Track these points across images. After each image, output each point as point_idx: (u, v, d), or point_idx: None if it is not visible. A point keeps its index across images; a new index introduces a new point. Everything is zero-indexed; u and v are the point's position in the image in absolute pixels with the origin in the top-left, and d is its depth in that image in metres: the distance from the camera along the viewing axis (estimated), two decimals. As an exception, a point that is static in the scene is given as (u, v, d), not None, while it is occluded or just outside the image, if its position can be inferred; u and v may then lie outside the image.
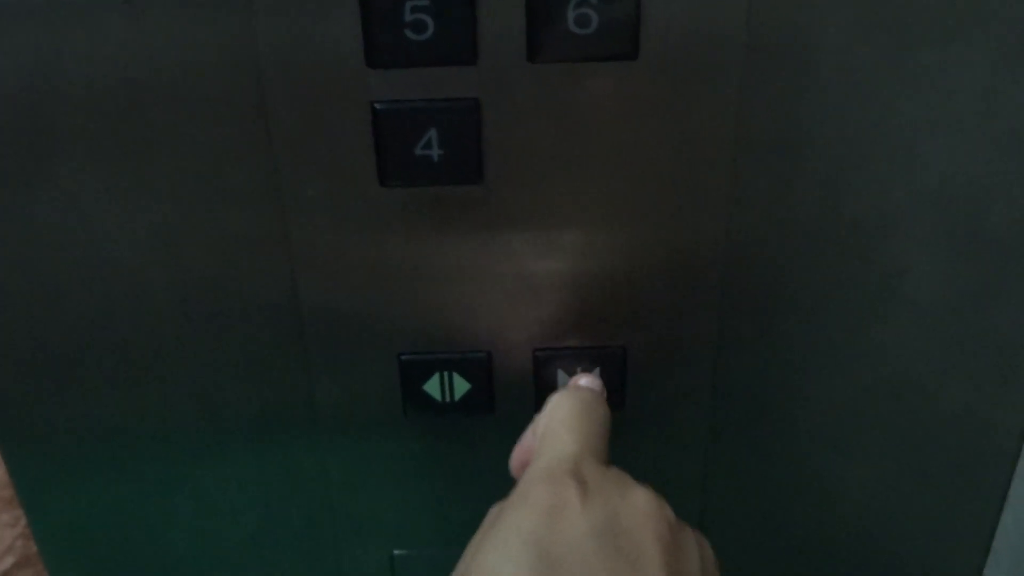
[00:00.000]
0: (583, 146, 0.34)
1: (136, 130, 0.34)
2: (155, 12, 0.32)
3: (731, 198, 0.35)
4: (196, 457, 0.42)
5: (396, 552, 0.45)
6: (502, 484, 0.42)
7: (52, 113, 0.34)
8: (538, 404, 0.39)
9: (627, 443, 0.39)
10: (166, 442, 0.42)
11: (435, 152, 0.34)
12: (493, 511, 0.32)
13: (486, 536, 0.29)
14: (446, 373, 0.39)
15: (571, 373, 0.39)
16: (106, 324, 0.38)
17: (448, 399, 0.39)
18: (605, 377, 0.38)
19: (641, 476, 0.32)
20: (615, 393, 0.38)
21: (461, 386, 0.39)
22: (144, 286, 0.37)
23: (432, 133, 0.34)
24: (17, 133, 0.34)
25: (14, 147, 0.35)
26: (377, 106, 0.33)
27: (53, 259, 0.37)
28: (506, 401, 0.40)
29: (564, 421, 0.33)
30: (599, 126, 0.34)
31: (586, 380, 0.37)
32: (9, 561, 0.61)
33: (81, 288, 0.38)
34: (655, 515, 0.29)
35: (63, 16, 0.32)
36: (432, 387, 0.39)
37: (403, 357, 0.39)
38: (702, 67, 0.33)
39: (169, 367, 0.39)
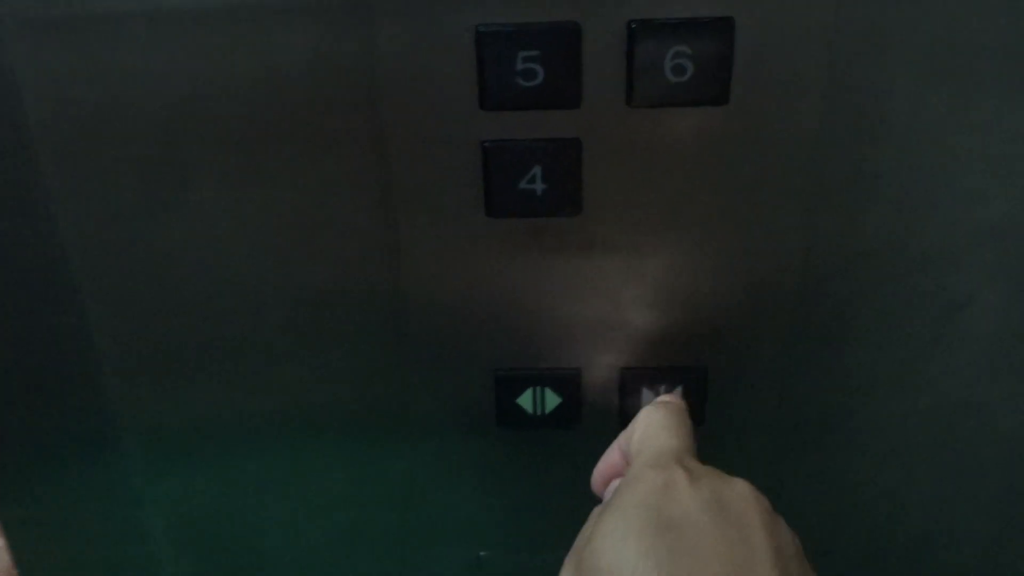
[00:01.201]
0: (673, 182, 0.38)
1: (261, 160, 0.38)
2: (286, 54, 0.36)
3: (808, 230, 0.39)
4: (295, 457, 0.46)
5: (482, 553, 0.48)
6: (584, 494, 0.45)
7: (190, 145, 0.38)
8: (622, 419, 0.42)
9: (704, 457, 0.42)
10: (269, 442, 0.45)
11: (538, 186, 0.38)
12: (595, 512, 0.34)
13: (602, 516, 0.31)
14: (538, 388, 0.42)
15: (655, 391, 0.42)
16: (221, 334, 0.42)
17: (539, 412, 0.43)
18: (687, 395, 0.42)
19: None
20: (696, 410, 0.41)
21: (552, 400, 0.42)
22: (261, 301, 0.41)
23: (537, 169, 0.37)
24: (158, 163, 0.38)
25: (155, 176, 0.39)
26: (487, 144, 0.37)
27: (179, 275, 0.41)
28: (592, 416, 0.43)
29: (662, 424, 0.36)
30: (688, 164, 0.37)
31: (670, 397, 0.40)
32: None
33: (202, 301, 0.41)
34: (757, 499, 0.31)
35: (200, 57, 0.36)
36: (525, 400, 0.43)
37: (499, 372, 0.42)
38: (785, 111, 0.36)
39: (278, 374, 0.43)
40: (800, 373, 0.42)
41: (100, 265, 0.41)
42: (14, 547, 0.50)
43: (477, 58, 0.35)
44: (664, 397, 0.41)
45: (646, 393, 0.42)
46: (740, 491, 0.31)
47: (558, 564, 0.48)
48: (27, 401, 0.44)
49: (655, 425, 0.36)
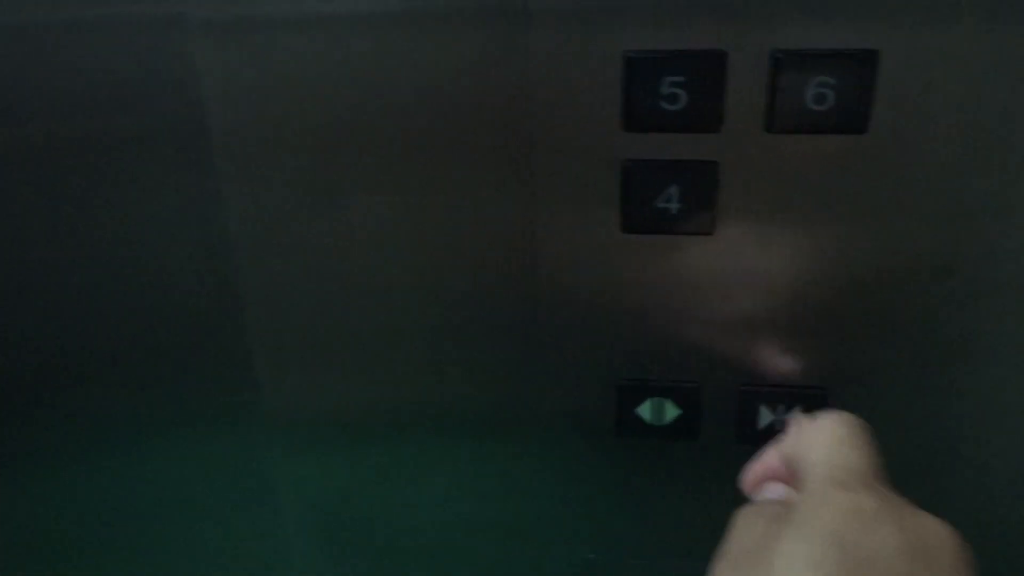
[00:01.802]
0: (807, 207, 0.39)
1: (414, 165, 0.41)
2: (445, 64, 0.38)
3: (941, 257, 0.39)
4: (422, 450, 0.48)
5: (591, 556, 0.49)
6: (695, 503, 0.46)
7: (351, 149, 0.41)
8: (738, 435, 0.43)
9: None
10: (401, 434, 0.48)
11: (674, 206, 0.39)
12: (743, 514, 0.33)
13: (782, 531, 0.29)
14: (658, 399, 0.44)
15: (773, 409, 0.43)
16: (366, 329, 0.45)
17: (658, 423, 0.44)
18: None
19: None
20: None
21: (671, 412, 0.44)
22: (405, 300, 0.44)
23: (673, 189, 0.39)
24: (322, 167, 0.41)
25: (317, 179, 0.42)
26: (628, 163, 0.39)
27: (332, 273, 0.44)
28: (709, 429, 0.44)
29: (847, 439, 0.33)
30: (824, 190, 0.38)
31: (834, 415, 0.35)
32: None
33: (351, 297, 0.44)
34: (959, 545, 0.28)
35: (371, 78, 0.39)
36: (644, 410, 0.44)
37: (621, 382, 0.44)
38: (924, 140, 0.37)
39: (414, 369, 0.46)
40: (923, 400, 0.43)
41: (260, 261, 0.44)
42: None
43: (623, 81, 0.37)
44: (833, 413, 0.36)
45: (763, 411, 0.43)
46: (943, 536, 0.28)
47: (665, 570, 0.49)
48: (182, 383, 0.48)
49: (840, 440, 0.33)
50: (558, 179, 0.40)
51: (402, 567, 0.52)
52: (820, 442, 0.33)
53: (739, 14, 0.36)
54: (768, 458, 0.36)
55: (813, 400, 0.43)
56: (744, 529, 0.32)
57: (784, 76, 0.36)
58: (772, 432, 0.43)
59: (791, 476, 0.35)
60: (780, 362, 0.42)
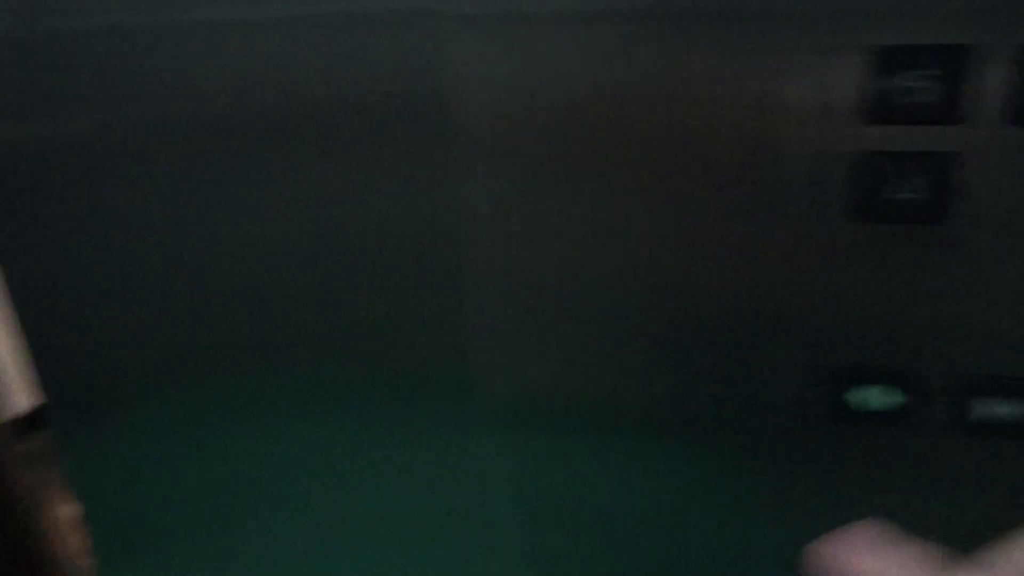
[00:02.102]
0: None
1: (644, 165, 0.43)
2: (680, 75, 0.40)
3: None
4: (631, 444, 0.50)
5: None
6: (899, 496, 0.47)
7: (574, 146, 0.43)
8: (949, 423, 0.44)
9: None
10: (605, 429, 0.49)
11: (912, 195, 0.40)
12: None
13: None
14: (871, 386, 0.45)
15: (990, 401, 0.44)
16: (576, 324, 0.47)
17: (872, 409, 0.45)
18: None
19: None
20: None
21: (885, 398, 0.45)
22: (619, 295, 0.46)
23: (915, 179, 0.40)
24: (549, 164, 0.43)
25: (546, 176, 0.44)
26: (867, 155, 0.40)
27: (541, 266, 0.46)
28: (922, 419, 0.45)
29: None
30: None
31: None
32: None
33: (552, 288, 0.46)
34: None
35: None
36: (857, 396, 0.45)
37: (834, 369, 0.45)
38: None
39: (624, 364, 0.47)
40: None
41: (489, 247, 0.46)
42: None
43: (871, 74, 0.39)
44: None
45: (979, 402, 0.44)
46: None
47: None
48: (397, 366, 0.50)
49: None
50: (790, 169, 0.41)
51: (607, 559, 0.53)
52: None
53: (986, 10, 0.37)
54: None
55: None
56: None
57: (1032, 70, 0.37)
58: (983, 425, 0.44)
59: None
60: (1004, 352, 0.43)
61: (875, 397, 0.45)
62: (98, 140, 0.47)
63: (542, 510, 0.53)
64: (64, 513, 0.80)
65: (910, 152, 0.40)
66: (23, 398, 0.76)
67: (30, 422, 0.75)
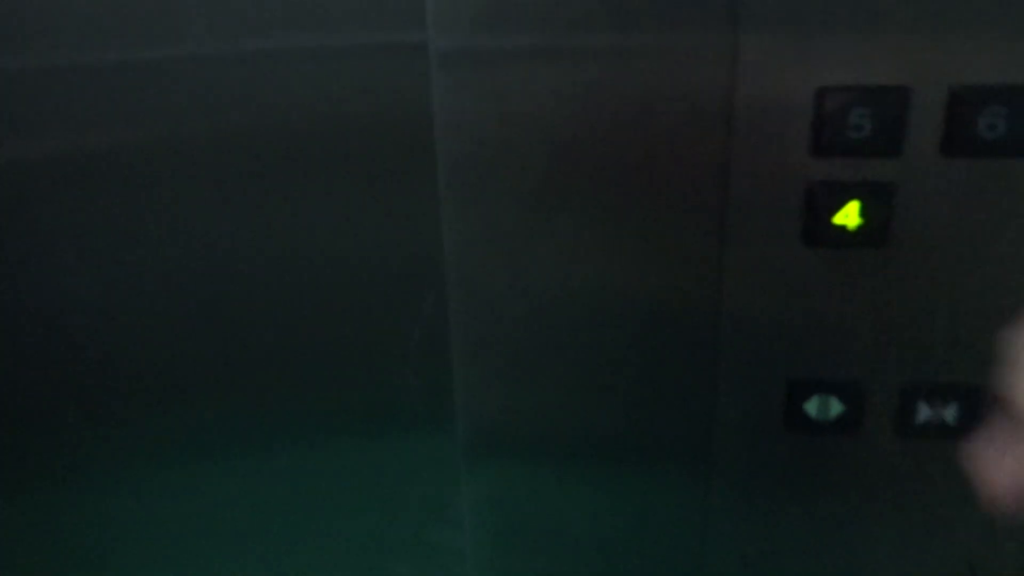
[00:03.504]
0: (981, 228, 0.44)
1: (618, 187, 0.46)
2: (649, 91, 0.44)
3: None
4: (609, 468, 0.53)
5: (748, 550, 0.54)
6: (851, 502, 0.51)
7: (561, 178, 0.46)
8: (897, 430, 0.48)
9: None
10: (585, 453, 0.53)
11: (853, 222, 0.44)
12: None
13: None
14: (824, 395, 0.48)
15: (931, 406, 0.47)
16: (563, 341, 0.50)
17: (823, 418, 0.49)
18: (964, 411, 0.47)
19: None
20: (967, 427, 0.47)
21: (836, 407, 0.49)
22: (598, 323, 0.49)
23: (853, 206, 0.44)
24: (534, 195, 0.46)
25: (530, 205, 0.47)
26: (814, 184, 0.44)
27: (537, 289, 0.49)
28: (872, 426, 0.49)
29: None
30: (996, 211, 0.43)
31: None
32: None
33: (550, 311, 0.49)
34: None
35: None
36: (810, 406, 0.49)
37: (790, 378, 0.49)
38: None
39: (603, 389, 0.51)
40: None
41: (472, 276, 0.49)
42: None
43: (815, 111, 0.42)
44: None
45: (922, 407, 0.48)
46: None
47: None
48: (382, 392, 0.53)
49: None
50: (750, 197, 0.45)
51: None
52: None
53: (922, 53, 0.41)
54: None
55: (971, 397, 0.47)
56: None
57: (959, 108, 0.41)
58: (930, 428, 0.48)
59: None
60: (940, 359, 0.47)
61: (829, 406, 0.48)
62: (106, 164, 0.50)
63: (519, 538, 0.56)
64: None
65: (852, 182, 0.44)
66: None
67: None
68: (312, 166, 0.48)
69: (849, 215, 0.44)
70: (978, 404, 0.47)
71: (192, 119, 0.47)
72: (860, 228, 0.44)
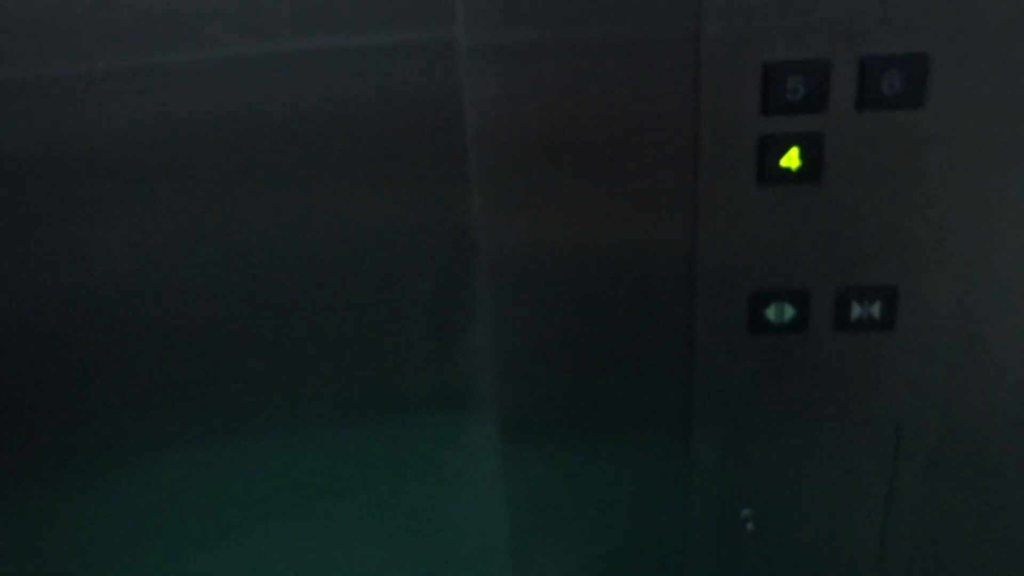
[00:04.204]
0: (889, 165, 0.58)
1: (610, 179, 0.59)
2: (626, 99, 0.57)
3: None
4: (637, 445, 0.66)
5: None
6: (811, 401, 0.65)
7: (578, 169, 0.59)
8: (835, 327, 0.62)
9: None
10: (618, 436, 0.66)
11: (794, 165, 0.58)
12: None
13: None
14: (779, 303, 0.62)
15: (861, 305, 0.62)
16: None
17: (781, 321, 0.63)
18: (885, 308, 0.61)
19: None
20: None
21: (789, 312, 0.63)
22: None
23: (793, 151, 0.58)
24: (572, 181, 0.60)
25: (569, 191, 0.60)
26: (765, 137, 0.58)
27: (569, 271, 0.62)
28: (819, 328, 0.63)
29: None
30: (900, 151, 0.57)
31: None
32: None
33: (581, 293, 0.62)
34: None
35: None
36: (769, 312, 0.63)
37: (752, 290, 0.63)
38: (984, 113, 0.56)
39: (618, 370, 0.64)
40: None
41: (502, 266, 0.62)
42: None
43: (762, 82, 0.56)
44: None
45: (855, 306, 0.62)
46: None
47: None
48: (415, 380, 0.65)
49: None
50: (714, 150, 0.59)
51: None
52: None
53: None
54: None
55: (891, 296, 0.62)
56: None
57: (869, 73, 0.56)
58: (862, 323, 0.62)
59: None
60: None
61: (784, 311, 0.62)
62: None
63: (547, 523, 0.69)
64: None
65: (793, 133, 0.58)
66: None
67: None
68: (355, 155, 0.60)
69: (791, 159, 0.58)
70: (896, 302, 0.62)
71: (256, 115, 0.59)
72: (800, 169, 0.58)
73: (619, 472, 0.70)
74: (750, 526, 0.67)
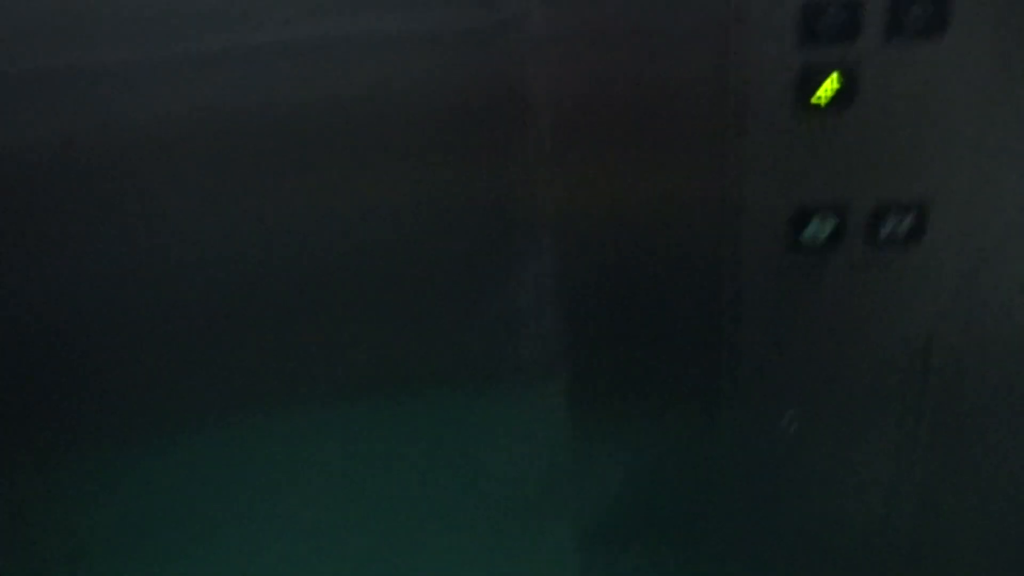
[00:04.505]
0: (919, 89, 0.64)
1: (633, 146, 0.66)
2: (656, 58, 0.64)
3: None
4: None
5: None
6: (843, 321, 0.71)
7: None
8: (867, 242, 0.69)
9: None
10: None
11: (831, 90, 0.65)
12: None
13: None
14: (819, 218, 0.69)
15: (891, 221, 0.68)
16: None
17: (819, 235, 0.69)
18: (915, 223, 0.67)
19: None
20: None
21: (829, 226, 0.69)
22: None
23: (833, 77, 0.64)
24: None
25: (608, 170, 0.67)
26: (805, 64, 0.64)
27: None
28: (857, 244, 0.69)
29: None
30: (927, 75, 0.64)
31: None
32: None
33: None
34: None
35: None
36: (810, 228, 0.69)
37: (793, 206, 0.69)
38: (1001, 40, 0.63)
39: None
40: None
41: (569, 234, 0.69)
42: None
43: (802, 14, 0.63)
44: None
45: (887, 222, 0.68)
46: None
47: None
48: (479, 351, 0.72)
49: None
50: (757, 79, 0.65)
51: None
52: None
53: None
54: None
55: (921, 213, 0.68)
56: None
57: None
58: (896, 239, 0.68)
59: None
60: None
61: (824, 226, 0.69)
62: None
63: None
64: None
65: (830, 61, 0.64)
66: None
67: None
68: (406, 139, 0.66)
69: (830, 84, 0.65)
70: (925, 217, 0.68)
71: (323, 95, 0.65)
72: (837, 93, 0.65)
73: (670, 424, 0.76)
74: (794, 427, 0.73)
